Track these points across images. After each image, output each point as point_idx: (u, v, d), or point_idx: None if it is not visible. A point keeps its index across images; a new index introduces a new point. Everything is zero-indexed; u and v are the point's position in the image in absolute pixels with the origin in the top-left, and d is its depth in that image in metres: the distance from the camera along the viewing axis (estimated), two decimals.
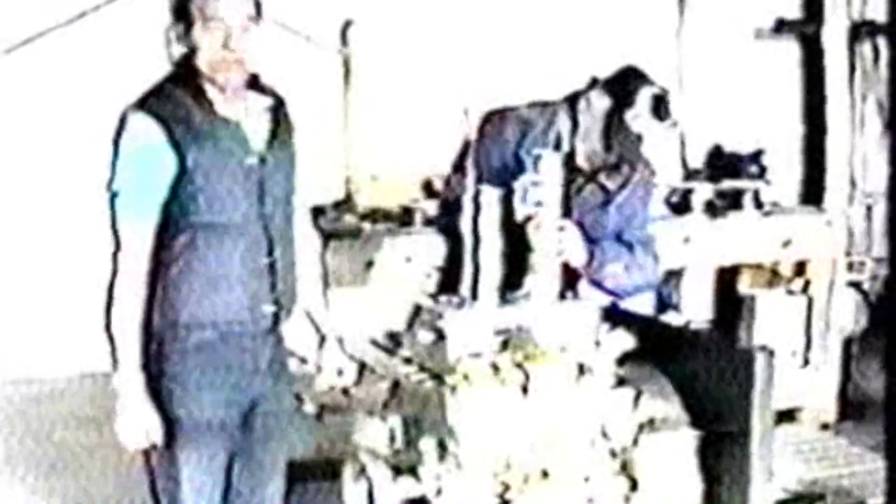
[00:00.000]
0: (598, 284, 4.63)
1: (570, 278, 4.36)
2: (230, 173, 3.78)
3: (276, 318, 3.91)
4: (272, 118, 3.93)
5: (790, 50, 7.54)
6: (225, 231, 3.77)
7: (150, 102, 3.74)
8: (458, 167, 4.51)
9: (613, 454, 3.72)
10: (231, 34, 3.75)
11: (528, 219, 4.05)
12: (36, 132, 5.99)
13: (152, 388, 3.75)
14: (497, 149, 4.59)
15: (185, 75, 3.79)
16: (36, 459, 5.61)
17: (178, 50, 3.80)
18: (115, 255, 3.75)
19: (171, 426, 3.77)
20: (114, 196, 3.74)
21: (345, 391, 4.05)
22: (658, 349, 3.90)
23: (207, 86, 3.77)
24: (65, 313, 5.97)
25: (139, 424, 3.74)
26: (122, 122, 3.74)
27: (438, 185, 5.74)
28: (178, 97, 3.75)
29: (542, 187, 4.04)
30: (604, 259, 4.60)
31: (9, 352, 5.94)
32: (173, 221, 3.74)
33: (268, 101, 3.91)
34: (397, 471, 3.75)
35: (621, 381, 3.79)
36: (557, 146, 4.54)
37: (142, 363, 3.73)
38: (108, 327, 3.74)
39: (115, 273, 3.73)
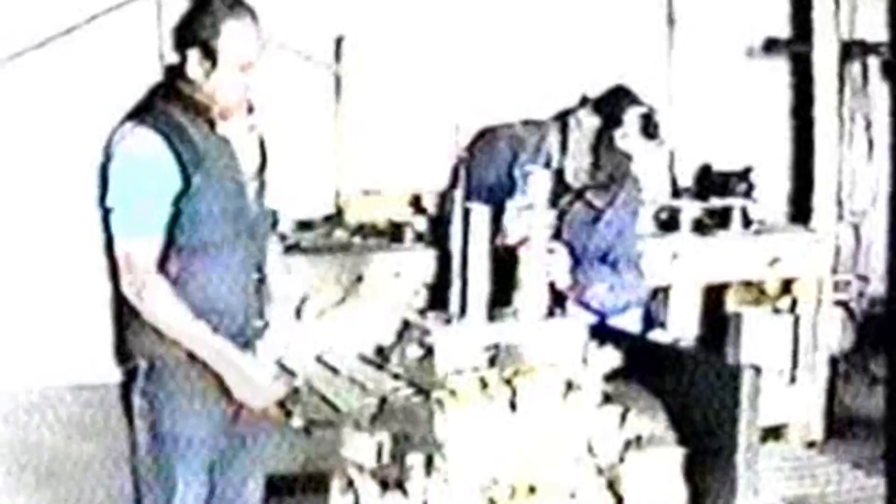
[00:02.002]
0: (583, 304, 4.64)
1: (558, 296, 4.38)
2: (226, 191, 3.81)
3: (262, 332, 3.96)
4: (256, 136, 3.96)
5: (780, 69, 7.55)
6: (221, 249, 3.80)
7: (151, 118, 3.72)
8: (453, 184, 4.53)
9: (600, 471, 3.72)
10: (251, 75, 3.79)
11: (520, 242, 4.06)
12: (32, 142, 5.99)
13: (148, 403, 3.77)
14: (489, 166, 4.61)
15: (180, 92, 3.79)
16: (28, 469, 5.60)
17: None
18: (116, 275, 3.75)
19: (167, 440, 3.79)
20: (108, 212, 3.73)
21: (334, 407, 4.04)
22: (645, 366, 3.91)
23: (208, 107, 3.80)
24: (58, 323, 5.96)
25: (268, 378, 3.84)
26: (120, 136, 3.72)
27: (428, 201, 5.76)
28: (176, 115, 3.74)
29: (532, 209, 4.06)
30: (587, 281, 4.63)
31: (1, 361, 5.93)
32: (172, 239, 3.74)
33: (251, 119, 3.93)
34: (384, 485, 3.75)
35: (608, 398, 3.79)
36: (548, 164, 4.56)
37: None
38: (176, 340, 3.75)
39: (140, 297, 3.70)
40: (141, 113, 3.75)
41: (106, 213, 3.74)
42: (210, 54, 3.73)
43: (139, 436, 3.83)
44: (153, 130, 3.68)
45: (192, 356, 3.77)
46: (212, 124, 3.80)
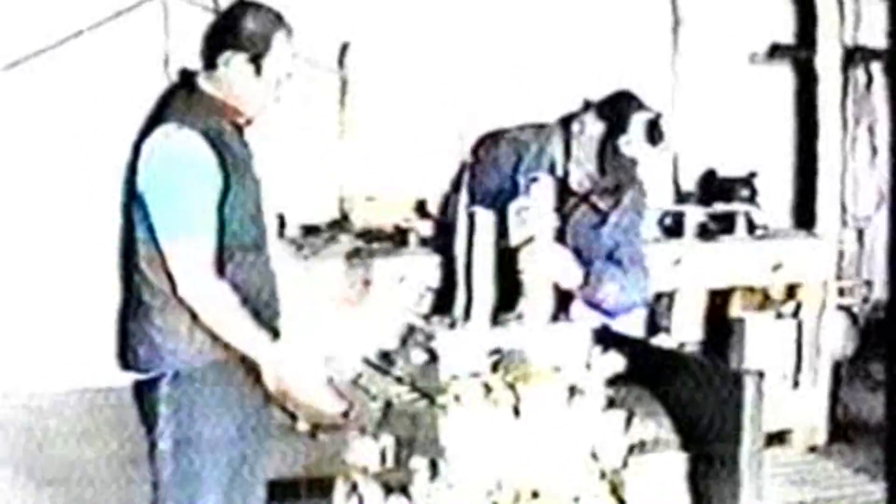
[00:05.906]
0: (594, 305, 4.63)
1: (562, 300, 4.38)
2: (251, 196, 3.82)
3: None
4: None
5: (784, 75, 7.57)
6: (250, 251, 3.80)
7: (191, 121, 3.67)
8: (457, 188, 4.54)
9: (604, 475, 3.73)
10: (282, 89, 3.83)
11: (524, 243, 4.06)
12: (35, 148, 6.00)
13: (174, 409, 3.75)
14: (492, 171, 4.60)
15: (209, 96, 3.76)
16: (35, 473, 5.61)
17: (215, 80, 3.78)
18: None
19: (193, 445, 3.77)
20: (145, 215, 3.68)
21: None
22: (649, 371, 3.91)
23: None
24: (64, 327, 5.98)
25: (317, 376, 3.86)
26: (162, 139, 3.66)
27: (432, 205, 5.78)
28: (210, 118, 3.71)
29: (535, 211, 4.06)
30: (600, 280, 4.61)
31: (8, 365, 5.95)
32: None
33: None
34: (388, 489, 3.76)
35: (612, 403, 3.79)
36: (552, 169, 4.55)
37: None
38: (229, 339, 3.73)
39: (204, 301, 3.68)
40: (167, 116, 3.71)
41: (128, 216, 3.74)
42: (256, 63, 3.74)
43: (161, 441, 3.78)
44: (196, 132, 3.65)
45: (219, 360, 3.76)
46: (240, 129, 3.81)
